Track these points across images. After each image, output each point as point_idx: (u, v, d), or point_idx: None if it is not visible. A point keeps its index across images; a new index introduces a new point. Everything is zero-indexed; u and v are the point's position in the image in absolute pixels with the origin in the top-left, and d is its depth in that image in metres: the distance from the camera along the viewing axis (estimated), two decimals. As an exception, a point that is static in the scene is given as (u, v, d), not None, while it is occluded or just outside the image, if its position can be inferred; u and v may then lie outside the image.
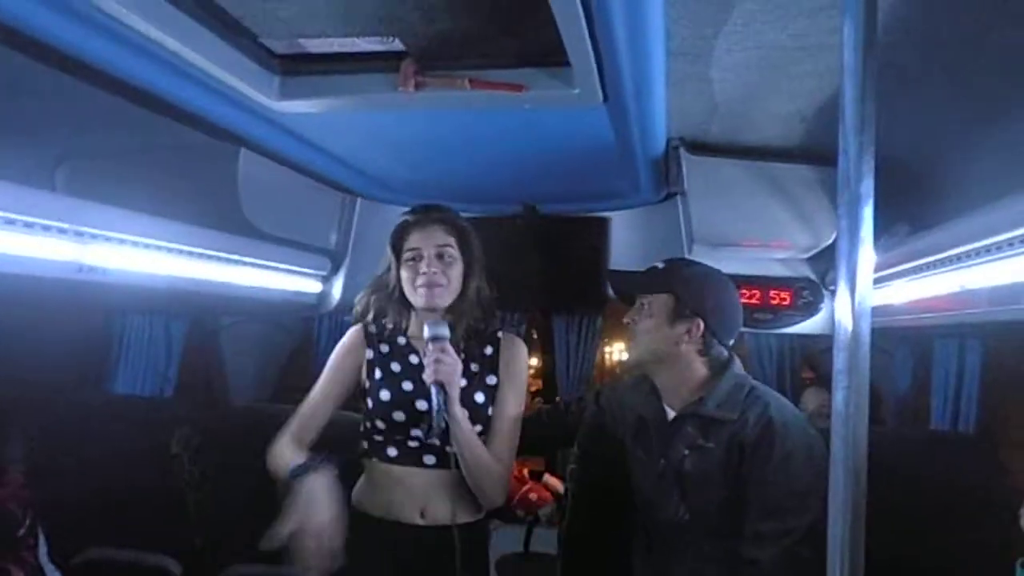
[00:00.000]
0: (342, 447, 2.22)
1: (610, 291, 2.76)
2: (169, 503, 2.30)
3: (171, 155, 1.92)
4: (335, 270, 2.79)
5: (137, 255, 1.82)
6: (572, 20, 1.11)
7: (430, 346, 1.63)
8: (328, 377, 1.80)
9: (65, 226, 1.59)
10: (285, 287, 2.56)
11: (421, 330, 1.70)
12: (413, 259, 1.72)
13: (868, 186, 0.87)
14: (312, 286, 2.75)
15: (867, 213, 0.87)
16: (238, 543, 2.25)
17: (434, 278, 1.70)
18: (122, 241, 1.75)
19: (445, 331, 1.65)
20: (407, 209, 1.81)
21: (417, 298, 1.72)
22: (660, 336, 1.66)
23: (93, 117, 1.66)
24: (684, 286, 1.66)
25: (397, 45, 1.39)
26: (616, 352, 9.06)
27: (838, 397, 0.89)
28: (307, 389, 1.80)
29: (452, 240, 1.74)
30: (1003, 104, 1.49)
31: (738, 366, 1.68)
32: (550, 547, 2.27)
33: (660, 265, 1.74)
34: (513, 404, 1.78)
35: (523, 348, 1.85)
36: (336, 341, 3.17)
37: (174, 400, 2.99)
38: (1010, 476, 1.98)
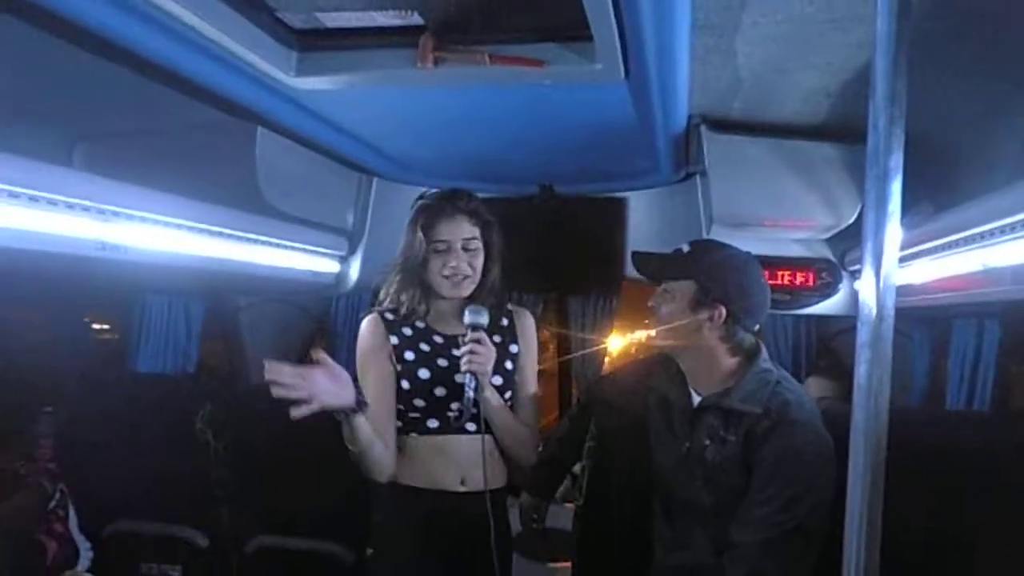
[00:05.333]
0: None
1: (627, 272, 2.77)
2: (195, 478, 2.33)
3: (188, 134, 1.92)
4: (352, 250, 2.80)
5: (157, 233, 1.83)
6: (595, -7, 1.09)
7: (468, 333, 1.73)
8: (373, 374, 1.80)
9: (88, 204, 1.60)
10: (303, 267, 2.57)
11: (444, 315, 1.82)
12: (441, 250, 1.77)
13: (897, 160, 0.86)
14: (330, 266, 2.76)
15: (895, 188, 0.86)
16: (262, 516, 2.29)
17: (462, 270, 1.77)
18: (143, 219, 1.77)
19: (484, 319, 1.75)
20: (431, 191, 1.85)
21: (444, 288, 1.79)
22: (682, 322, 1.65)
23: (110, 95, 1.67)
24: (706, 273, 1.63)
25: (416, 19, 1.38)
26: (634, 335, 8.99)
27: (861, 370, 0.89)
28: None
29: (477, 232, 1.80)
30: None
31: (764, 357, 1.66)
32: (565, 523, 2.29)
33: (685, 248, 1.70)
34: (531, 371, 1.93)
35: (532, 319, 1.99)
36: (354, 321, 3.21)
37: (197, 378, 3.02)
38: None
